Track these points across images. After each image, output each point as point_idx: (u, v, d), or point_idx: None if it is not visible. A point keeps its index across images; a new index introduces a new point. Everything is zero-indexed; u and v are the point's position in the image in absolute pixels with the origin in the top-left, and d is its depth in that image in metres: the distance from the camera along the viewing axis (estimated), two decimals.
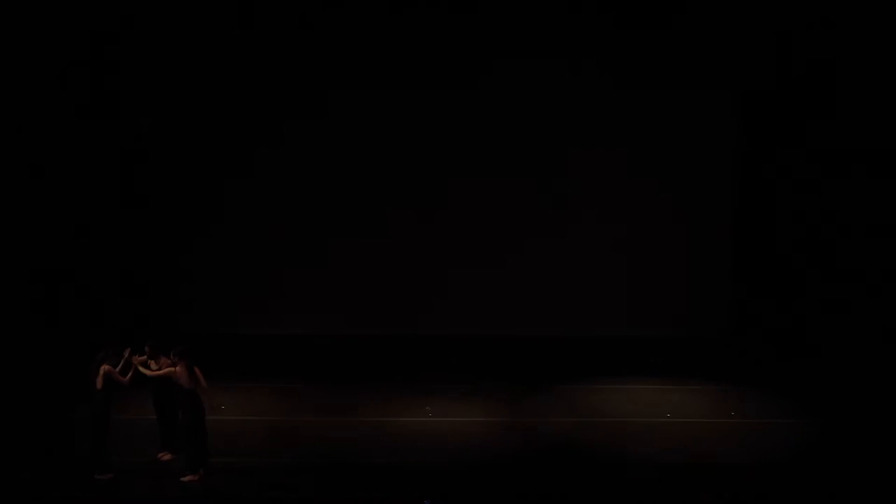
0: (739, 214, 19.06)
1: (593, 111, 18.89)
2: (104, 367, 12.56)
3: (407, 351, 18.07)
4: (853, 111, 17.66)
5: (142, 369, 12.89)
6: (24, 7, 17.07)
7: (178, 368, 12.53)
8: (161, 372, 12.75)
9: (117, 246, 18.49)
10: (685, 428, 14.66)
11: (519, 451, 13.88)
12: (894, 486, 12.63)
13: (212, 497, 12.12)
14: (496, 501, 12.12)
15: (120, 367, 12.73)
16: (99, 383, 12.53)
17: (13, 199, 17.52)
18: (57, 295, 17.84)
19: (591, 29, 18.36)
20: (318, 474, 13.04)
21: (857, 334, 17.56)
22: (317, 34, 18.41)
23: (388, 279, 19.08)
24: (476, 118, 18.84)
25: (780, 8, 17.83)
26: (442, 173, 18.98)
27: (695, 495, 12.20)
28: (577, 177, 19.01)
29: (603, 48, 18.59)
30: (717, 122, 18.85)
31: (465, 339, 18.20)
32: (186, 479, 12.62)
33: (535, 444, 14.13)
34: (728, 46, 18.52)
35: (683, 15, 18.22)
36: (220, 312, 18.93)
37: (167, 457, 13.19)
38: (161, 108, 18.69)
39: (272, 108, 18.75)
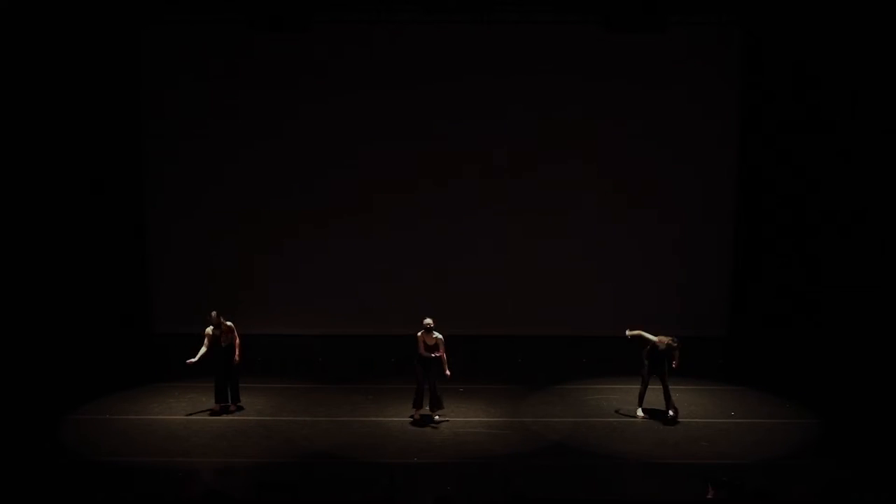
0: (740, 214, 19.08)
1: (594, 110, 18.92)
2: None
3: (407, 351, 18.04)
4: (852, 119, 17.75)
5: None
6: None
7: None
8: None
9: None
10: (685, 428, 14.67)
11: (519, 451, 13.88)
12: (894, 485, 12.64)
13: (212, 497, 12.10)
14: (496, 501, 12.11)
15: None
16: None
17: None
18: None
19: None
20: (318, 474, 13.06)
21: (858, 334, 17.56)
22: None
23: (388, 278, 19.11)
24: (474, 117, 18.88)
25: None
26: (438, 170, 19.01)
27: (694, 495, 12.19)
28: (577, 177, 19.04)
29: (604, 56, 18.66)
30: (719, 114, 18.90)
31: (466, 338, 18.18)
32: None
33: (534, 444, 14.13)
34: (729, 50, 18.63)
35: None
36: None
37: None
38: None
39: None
